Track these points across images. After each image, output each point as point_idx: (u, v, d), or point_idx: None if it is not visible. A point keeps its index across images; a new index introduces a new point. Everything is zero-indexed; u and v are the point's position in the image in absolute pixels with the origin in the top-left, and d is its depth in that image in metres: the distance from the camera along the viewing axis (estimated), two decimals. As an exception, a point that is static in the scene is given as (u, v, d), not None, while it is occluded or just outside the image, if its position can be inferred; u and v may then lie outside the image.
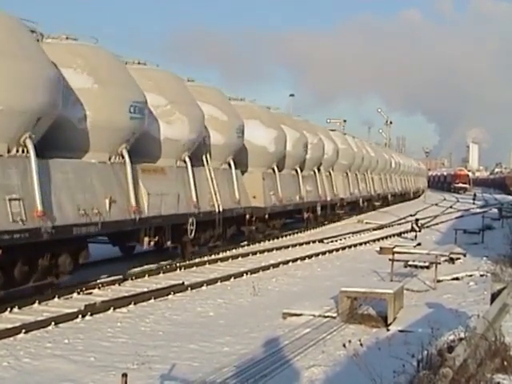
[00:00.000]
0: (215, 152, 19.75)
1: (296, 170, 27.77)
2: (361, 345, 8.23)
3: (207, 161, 19.12)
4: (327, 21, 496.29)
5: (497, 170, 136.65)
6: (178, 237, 17.36)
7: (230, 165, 20.62)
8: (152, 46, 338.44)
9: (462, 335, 7.67)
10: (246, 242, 22.70)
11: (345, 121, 67.32)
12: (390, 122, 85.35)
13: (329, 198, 32.02)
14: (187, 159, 17.79)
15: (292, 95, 56.85)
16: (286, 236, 26.43)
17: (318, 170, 31.36)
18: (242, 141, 21.79)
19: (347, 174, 36.75)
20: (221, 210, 19.13)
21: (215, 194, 18.92)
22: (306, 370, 8.50)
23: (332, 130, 38.15)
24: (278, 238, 25.35)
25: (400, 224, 34.06)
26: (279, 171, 25.20)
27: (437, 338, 7.99)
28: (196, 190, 17.92)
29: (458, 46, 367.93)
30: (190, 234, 17.43)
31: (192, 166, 18.00)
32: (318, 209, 29.97)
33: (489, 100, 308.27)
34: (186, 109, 17.79)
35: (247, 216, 21.75)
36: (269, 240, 24.25)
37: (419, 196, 68.54)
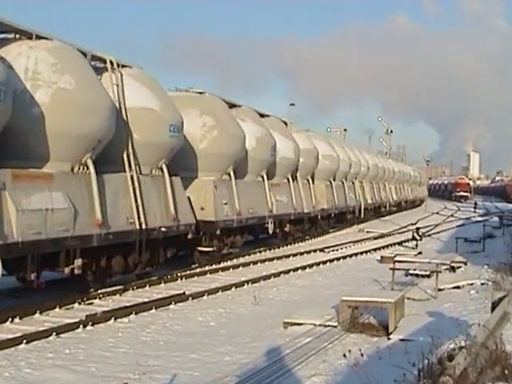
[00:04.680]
0: (302, 171, 28.33)
1: (342, 182, 35.86)
2: (361, 354, 8.24)
3: (298, 177, 27.48)
4: (322, 29, 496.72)
5: (498, 178, 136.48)
6: (280, 228, 25.62)
7: (308, 180, 29.16)
8: (148, 53, 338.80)
9: (463, 344, 7.68)
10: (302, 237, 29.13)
11: (345, 130, 67.45)
12: (391, 131, 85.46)
13: (362, 203, 39.26)
14: (289, 177, 26.64)
15: (292, 105, 56.52)
16: (334, 232, 33.25)
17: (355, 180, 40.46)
18: (317, 162, 30.45)
19: (372, 184, 44.16)
20: (306, 211, 27.71)
21: (303, 200, 27.14)
22: (308, 379, 8.50)
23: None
24: (328, 232, 32.79)
25: (401, 233, 34.06)
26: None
27: (437, 346, 8.00)
28: (293, 197, 26.47)
29: (456, 52, 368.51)
30: (290, 226, 26.48)
31: (293, 181, 27.12)
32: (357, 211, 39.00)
33: (490, 108, 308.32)
34: (291, 142, 26.75)
35: (319, 216, 30.23)
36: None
37: (419, 205, 68.67)
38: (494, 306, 9.23)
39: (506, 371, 7.39)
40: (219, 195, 19.92)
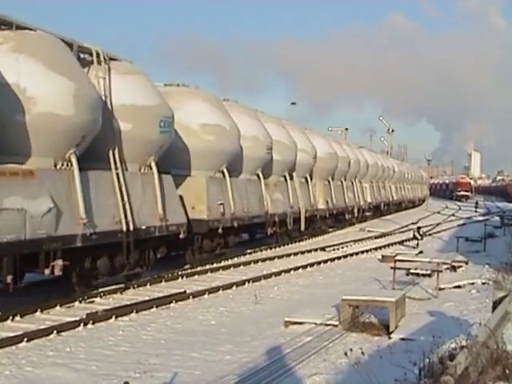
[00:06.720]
0: (318, 172, 28.06)
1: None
2: (362, 353, 8.23)
3: (312, 177, 26.82)
4: (323, 29, 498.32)
5: (499, 177, 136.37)
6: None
7: (329, 180, 28.46)
8: (148, 53, 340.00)
9: (464, 343, 7.68)
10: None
11: (346, 129, 67.34)
12: (392, 130, 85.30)
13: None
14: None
15: (294, 103, 56.52)
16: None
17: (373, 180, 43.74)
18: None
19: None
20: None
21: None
22: (308, 378, 8.49)
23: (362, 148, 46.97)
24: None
25: (402, 232, 34.04)
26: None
27: (438, 345, 8.00)
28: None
29: (457, 51, 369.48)
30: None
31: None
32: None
33: (491, 108, 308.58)
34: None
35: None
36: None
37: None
38: (495, 305, 9.25)
39: (507, 371, 7.38)
40: None
